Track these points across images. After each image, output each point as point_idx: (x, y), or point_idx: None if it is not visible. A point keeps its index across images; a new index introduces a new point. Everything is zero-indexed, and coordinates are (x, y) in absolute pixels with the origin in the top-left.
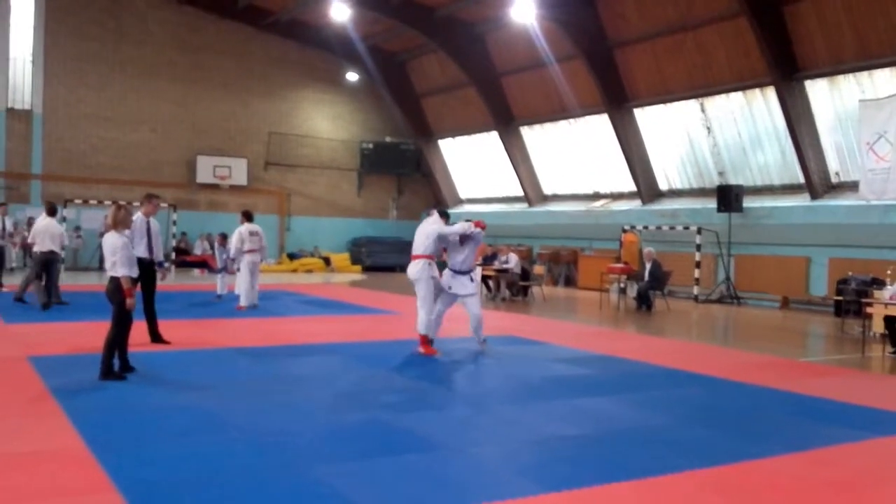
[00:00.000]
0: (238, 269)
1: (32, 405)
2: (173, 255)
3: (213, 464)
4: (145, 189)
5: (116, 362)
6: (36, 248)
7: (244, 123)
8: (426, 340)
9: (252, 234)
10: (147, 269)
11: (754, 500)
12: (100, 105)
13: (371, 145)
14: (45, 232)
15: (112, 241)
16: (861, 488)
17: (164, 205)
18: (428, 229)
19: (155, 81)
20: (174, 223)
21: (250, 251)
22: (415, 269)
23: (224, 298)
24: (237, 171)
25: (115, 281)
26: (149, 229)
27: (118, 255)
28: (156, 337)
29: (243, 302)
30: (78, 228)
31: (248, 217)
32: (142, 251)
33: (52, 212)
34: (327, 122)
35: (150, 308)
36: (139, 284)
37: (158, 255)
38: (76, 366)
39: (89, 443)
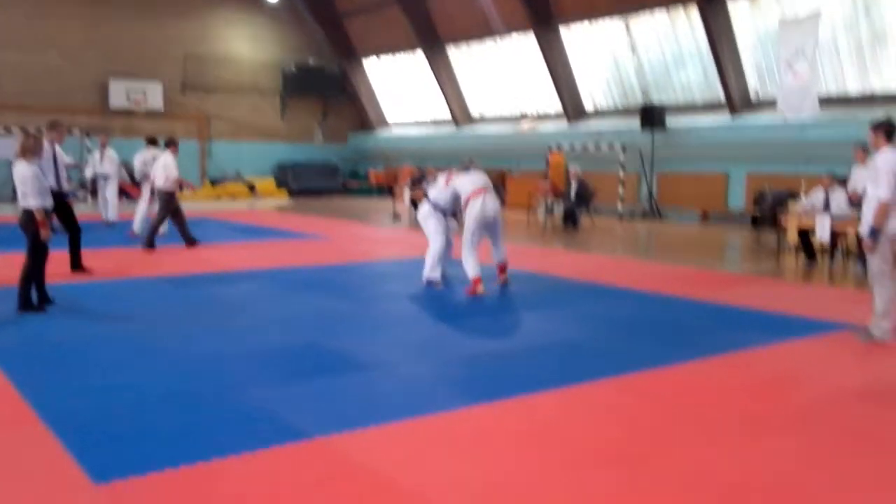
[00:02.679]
0: (141, 195)
1: None
2: (88, 184)
3: (142, 392)
4: (56, 116)
5: (34, 295)
6: None
7: (158, 46)
8: (505, 268)
9: (156, 159)
10: (57, 200)
11: (673, 402)
12: (2, 29)
13: (293, 67)
14: None
15: (22, 172)
16: (775, 388)
17: (76, 131)
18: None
19: (62, 3)
20: (88, 151)
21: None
22: (494, 200)
23: (115, 225)
24: (152, 95)
25: (27, 213)
26: (55, 158)
27: (28, 185)
28: (77, 265)
29: (136, 227)
30: None
31: (152, 142)
32: (51, 180)
33: None
34: (246, 44)
35: (74, 237)
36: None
37: (65, 185)
38: None
39: (11, 376)
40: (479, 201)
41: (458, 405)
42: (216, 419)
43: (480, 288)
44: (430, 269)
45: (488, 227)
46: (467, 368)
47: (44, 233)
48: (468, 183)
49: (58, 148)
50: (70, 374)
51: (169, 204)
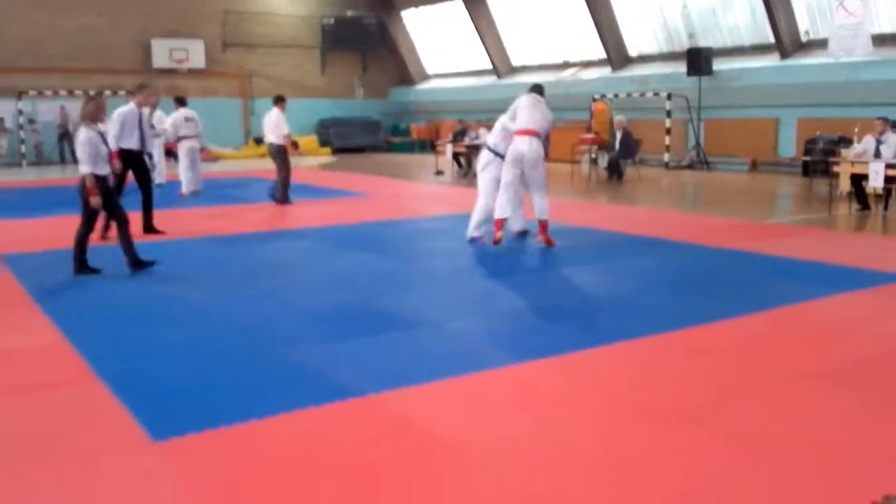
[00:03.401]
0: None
1: (7, 303)
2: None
3: (193, 351)
4: (101, 78)
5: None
6: None
7: (198, 2)
8: (545, 227)
9: (188, 119)
10: (137, 161)
11: (723, 357)
12: None
13: (332, 20)
14: None
15: (79, 137)
16: (827, 342)
17: (122, 92)
18: (545, 111)
19: None
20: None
21: (186, 137)
22: (535, 145)
23: (164, 187)
24: (194, 53)
25: (82, 179)
26: (140, 121)
27: (81, 150)
28: (149, 228)
29: (185, 189)
30: (33, 121)
31: (181, 102)
32: (133, 143)
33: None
34: None
35: (146, 200)
36: (132, 176)
37: (149, 147)
38: (49, 262)
39: (69, 337)
40: (517, 140)
41: (505, 362)
42: (269, 377)
43: (498, 234)
44: (474, 227)
45: (526, 174)
46: (514, 325)
47: (93, 200)
48: (520, 115)
49: (150, 111)
50: (126, 333)
51: (285, 159)
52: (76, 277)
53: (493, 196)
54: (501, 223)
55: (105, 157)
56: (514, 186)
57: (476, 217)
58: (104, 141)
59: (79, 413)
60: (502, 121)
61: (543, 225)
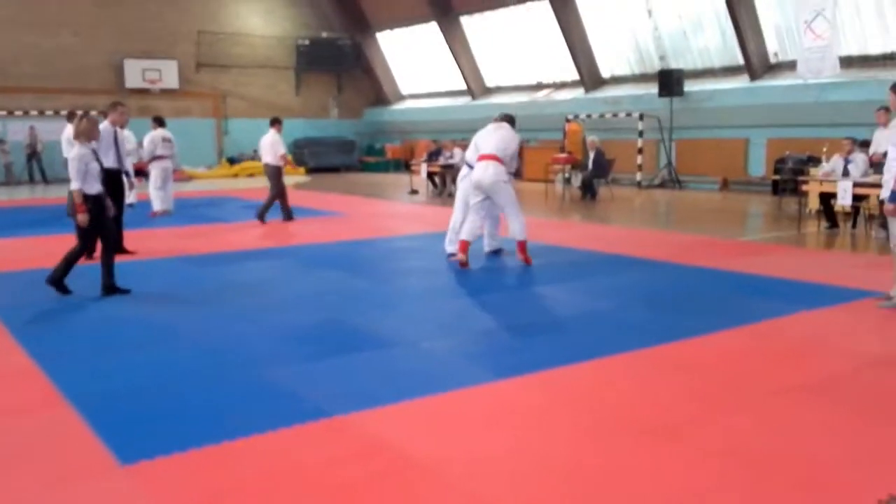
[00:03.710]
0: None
1: None
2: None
3: (165, 371)
4: (73, 98)
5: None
6: None
7: (172, 23)
8: (523, 247)
9: (165, 140)
10: (116, 180)
11: (699, 373)
12: (15, 9)
13: (307, 42)
14: None
15: (71, 153)
16: (799, 357)
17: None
18: (507, 135)
19: None
20: None
21: (161, 157)
22: (491, 170)
23: (136, 207)
24: (168, 74)
25: (69, 195)
26: (115, 139)
27: (70, 167)
28: (119, 248)
29: (156, 207)
30: (2, 142)
31: (159, 122)
32: (111, 161)
33: None
34: (259, 19)
35: (116, 218)
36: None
37: (126, 165)
38: (16, 282)
39: (37, 359)
40: (479, 167)
41: (480, 381)
42: (239, 398)
43: (461, 257)
44: (449, 242)
45: (491, 198)
46: (488, 343)
47: (80, 217)
48: (480, 143)
49: (120, 130)
50: (96, 355)
51: (279, 180)
52: (47, 289)
53: (460, 211)
54: (466, 246)
55: (96, 175)
56: (483, 210)
57: (449, 234)
58: (97, 158)
59: (45, 437)
60: (475, 140)
61: (520, 245)
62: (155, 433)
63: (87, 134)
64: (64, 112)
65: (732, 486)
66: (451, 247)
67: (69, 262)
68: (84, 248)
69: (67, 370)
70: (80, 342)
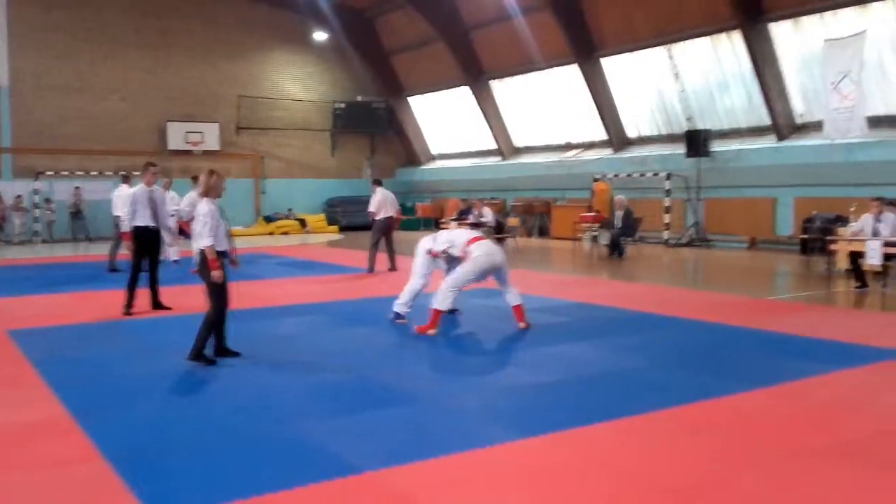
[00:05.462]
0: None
1: (12, 377)
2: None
3: (198, 426)
4: (117, 159)
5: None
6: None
7: (214, 88)
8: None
9: None
10: (153, 238)
11: (726, 434)
12: (67, 75)
13: (343, 105)
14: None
15: (200, 209)
16: (829, 419)
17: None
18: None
19: (122, 49)
20: None
21: None
22: (496, 247)
23: (181, 263)
24: (209, 136)
25: (201, 253)
26: (151, 198)
27: (199, 223)
28: (157, 304)
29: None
30: (49, 201)
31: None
32: (146, 220)
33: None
34: (297, 84)
35: (153, 275)
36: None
37: (165, 222)
38: (55, 337)
39: (73, 413)
40: (484, 245)
41: (506, 439)
42: (269, 453)
43: (432, 331)
44: (403, 304)
45: (496, 272)
46: (515, 401)
47: (215, 274)
48: (462, 234)
49: (163, 190)
50: (130, 409)
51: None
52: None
53: (423, 279)
54: (438, 316)
55: (225, 232)
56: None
57: (405, 295)
58: (224, 216)
59: (80, 490)
60: (450, 237)
61: (519, 309)
62: (186, 488)
63: (217, 189)
64: (109, 173)
65: None
66: (404, 307)
67: (210, 329)
68: (220, 308)
69: (102, 423)
70: (114, 395)
